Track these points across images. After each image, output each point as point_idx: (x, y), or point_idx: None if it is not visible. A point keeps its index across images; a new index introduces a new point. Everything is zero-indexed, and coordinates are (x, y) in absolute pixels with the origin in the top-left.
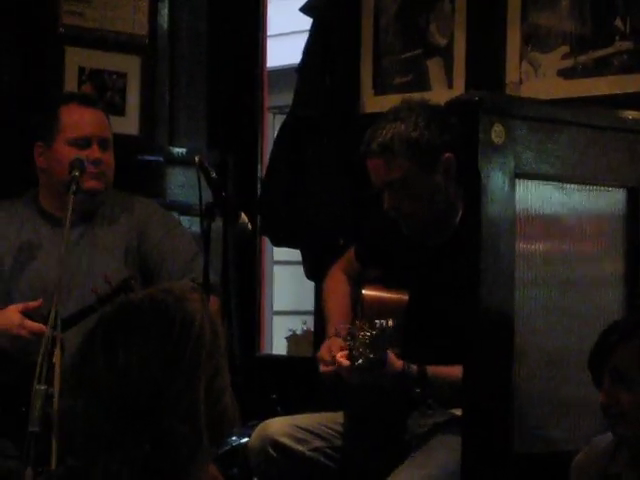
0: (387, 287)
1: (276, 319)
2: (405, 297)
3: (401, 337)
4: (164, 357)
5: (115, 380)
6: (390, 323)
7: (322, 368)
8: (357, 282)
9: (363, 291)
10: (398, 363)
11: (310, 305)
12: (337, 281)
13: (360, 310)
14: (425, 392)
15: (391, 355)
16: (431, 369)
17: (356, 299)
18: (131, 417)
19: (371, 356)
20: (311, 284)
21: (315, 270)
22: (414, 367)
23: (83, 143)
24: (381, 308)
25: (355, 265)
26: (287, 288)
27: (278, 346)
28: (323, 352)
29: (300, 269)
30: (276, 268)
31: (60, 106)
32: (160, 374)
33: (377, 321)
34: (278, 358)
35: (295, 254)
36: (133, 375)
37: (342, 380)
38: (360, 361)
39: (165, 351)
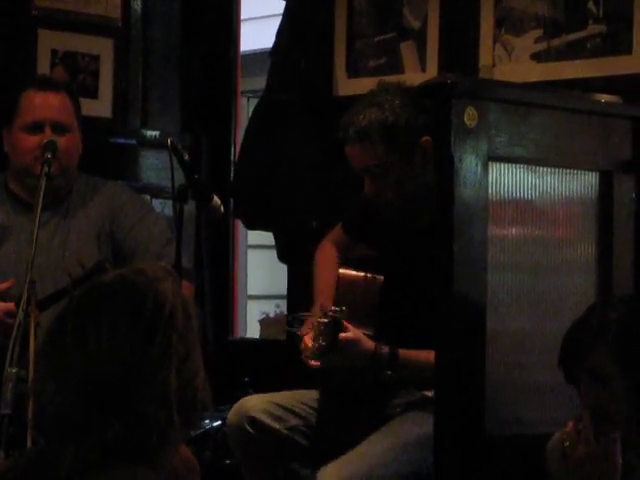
0: (368, 268)
1: (250, 303)
2: (380, 278)
3: (375, 318)
4: (135, 338)
5: (85, 361)
6: (341, 310)
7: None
8: (345, 256)
9: (340, 270)
10: (369, 344)
11: (284, 289)
12: (327, 255)
13: (337, 290)
14: (395, 374)
15: (363, 337)
16: (402, 352)
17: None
18: (102, 399)
19: (323, 343)
20: (285, 268)
21: (288, 253)
22: (386, 349)
23: (35, 127)
24: (357, 288)
25: (344, 238)
26: (261, 272)
27: (251, 330)
28: (303, 332)
29: (274, 253)
30: (250, 252)
31: (22, 91)
32: (131, 355)
33: (332, 308)
34: (251, 341)
35: (269, 238)
36: (103, 356)
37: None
38: (312, 347)
39: (136, 332)
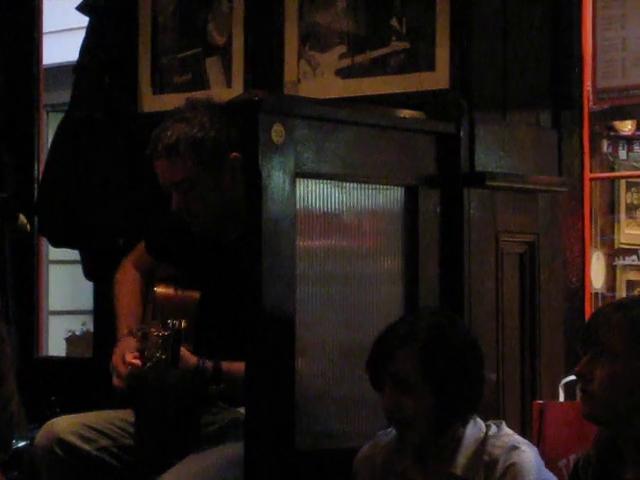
0: (179, 284)
1: (51, 319)
2: (196, 294)
3: (193, 334)
4: None
5: None
6: (183, 323)
7: (115, 382)
8: (149, 276)
9: (156, 289)
10: (192, 359)
11: (85, 305)
12: (128, 276)
13: (153, 308)
14: (221, 387)
15: (185, 351)
16: (226, 364)
17: (148, 295)
18: None
19: (163, 357)
20: (86, 283)
21: (95, 271)
22: (209, 363)
23: None
24: (174, 306)
25: (147, 258)
26: (61, 288)
27: (53, 346)
28: (117, 360)
29: (76, 268)
30: (51, 267)
31: None
32: None
33: (169, 321)
34: (57, 359)
35: (70, 253)
36: None
37: (135, 383)
38: (149, 363)
39: None
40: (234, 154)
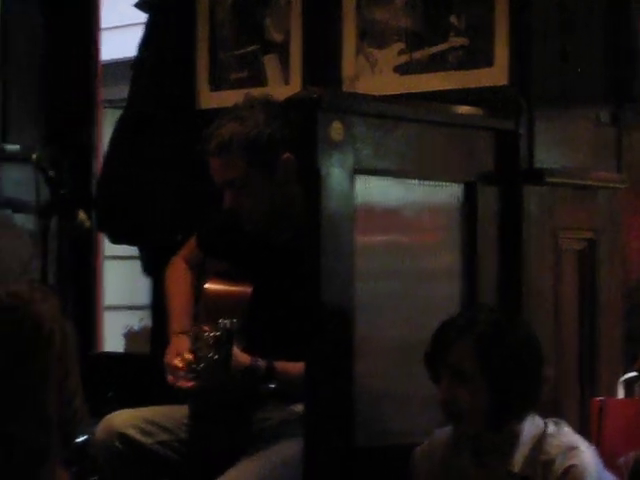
0: (230, 280)
1: (108, 315)
2: (248, 290)
3: (245, 331)
4: (12, 361)
5: None
6: (233, 322)
7: (170, 379)
8: (199, 271)
9: (206, 285)
10: (245, 358)
11: (144, 300)
12: (179, 272)
13: (203, 304)
14: (274, 386)
15: (237, 351)
16: (279, 364)
17: (198, 290)
18: None
19: (215, 357)
20: (144, 279)
21: (153, 267)
22: (262, 362)
23: None
24: (224, 302)
25: (197, 253)
26: (119, 283)
27: (111, 342)
28: (171, 358)
29: (133, 264)
30: (107, 263)
31: None
32: (8, 378)
33: (220, 321)
34: (115, 355)
35: (127, 249)
36: None
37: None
38: (202, 363)
39: (13, 354)
40: (287, 154)
